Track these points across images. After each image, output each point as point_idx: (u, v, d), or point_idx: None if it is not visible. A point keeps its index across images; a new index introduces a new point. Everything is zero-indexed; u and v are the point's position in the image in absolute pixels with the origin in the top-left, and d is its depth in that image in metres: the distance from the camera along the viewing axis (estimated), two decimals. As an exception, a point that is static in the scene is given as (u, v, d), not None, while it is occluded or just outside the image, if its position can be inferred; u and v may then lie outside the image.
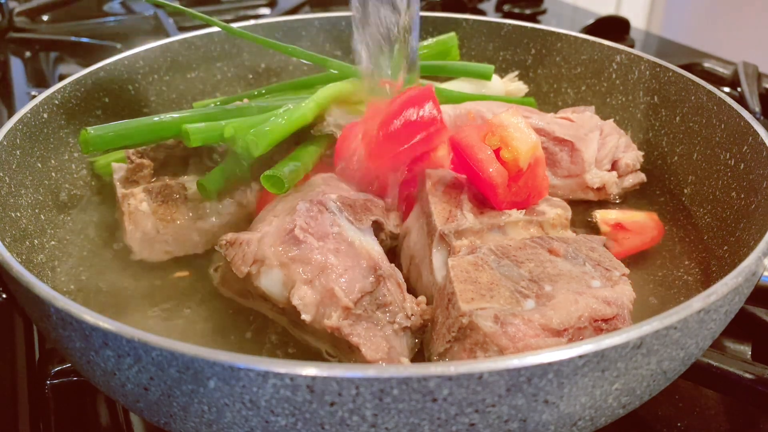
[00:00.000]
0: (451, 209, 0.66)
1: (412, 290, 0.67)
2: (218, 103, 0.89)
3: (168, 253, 0.75)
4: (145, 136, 0.76)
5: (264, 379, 0.41)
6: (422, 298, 0.63)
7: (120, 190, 0.76)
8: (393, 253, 0.72)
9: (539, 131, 0.84)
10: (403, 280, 0.64)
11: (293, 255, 0.60)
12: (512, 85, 1.02)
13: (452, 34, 1.06)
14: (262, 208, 0.74)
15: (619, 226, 0.78)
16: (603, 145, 0.85)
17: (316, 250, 0.60)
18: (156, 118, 0.76)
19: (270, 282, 0.61)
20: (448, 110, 0.90)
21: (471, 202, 0.67)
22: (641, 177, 0.87)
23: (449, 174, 0.71)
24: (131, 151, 0.78)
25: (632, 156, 0.86)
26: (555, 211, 0.68)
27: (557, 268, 0.60)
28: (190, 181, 0.77)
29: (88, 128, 0.72)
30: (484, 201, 0.68)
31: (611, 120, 0.89)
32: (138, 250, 0.74)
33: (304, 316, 0.58)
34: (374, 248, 0.64)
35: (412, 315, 0.61)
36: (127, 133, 0.75)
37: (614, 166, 0.86)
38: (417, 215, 0.70)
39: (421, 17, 1.12)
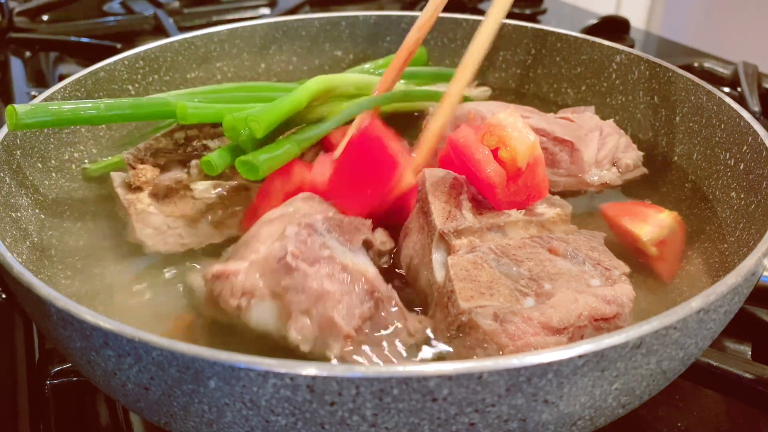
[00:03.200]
0: (451, 209, 0.66)
1: (412, 289, 0.67)
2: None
3: (183, 245, 0.74)
4: (86, 120, 0.76)
5: (264, 379, 0.41)
6: (423, 318, 0.62)
7: (124, 197, 0.75)
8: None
9: (539, 131, 0.84)
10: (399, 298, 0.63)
11: (287, 284, 0.57)
12: (474, 91, 1.03)
13: (422, 49, 1.07)
14: (263, 201, 0.74)
15: (662, 243, 0.75)
16: (603, 146, 0.85)
17: (310, 276, 0.57)
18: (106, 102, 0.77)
19: (263, 315, 0.57)
20: None
21: (470, 202, 0.67)
22: (642, 170, 0.87)
23: (449, 174, 0.71)
24: (131, 157, 0.78)
25: (633, 156, 0.86)
26: (554, 210, 0.68)
27: (557, 267, 0.60)
28: (193, 183, 0.77)
29: (16, 106, 0.71)
30: (483, 201, 0.68)
31: (611, 120, 0.89)
32: (151, 244, 0.73)
33: (303, 348, 0.55)
34: (369, 269, 0.61)
35: (415, 333, 0.59)
36: (63, 117, 0.74)
37: (614, 165, 0.86)
38: (416, 215, 0.70)
39: (421, 17, 1.12)
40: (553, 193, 0.74)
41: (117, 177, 0.79)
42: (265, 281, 0.57)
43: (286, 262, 0.57)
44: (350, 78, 0.90)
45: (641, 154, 0.87)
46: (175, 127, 0.81)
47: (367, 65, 1.05)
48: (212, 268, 0.59)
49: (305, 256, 0.58)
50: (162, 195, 0.76)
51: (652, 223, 0.76)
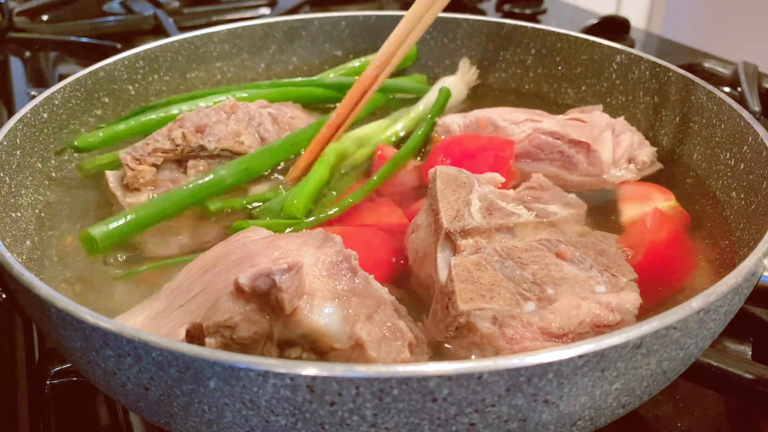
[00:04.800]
0: (459, 208, 0.66)
1: (416, 281, 0.68)
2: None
3: (183, 246, 0.74)
4: (153, 219, 0.74)
5: (264, 379, 0.41)
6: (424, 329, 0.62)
7: (124, 200, 0.75)
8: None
9: (553, 134, 0.83)
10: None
11: (352, 287, 0.55)
12: (467, 76, 1.05)
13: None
14: None
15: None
16: (618, 144, 0.84)
17: (372, 282, 0.56)
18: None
19: (326, 318, 0.53)
20: (457, 119, 0.90)
21: (480, 201, 0.67)
22: (658, 165, 0.86)
23: (461, 173, 0.70)
24: (128, 158, 0.77)
25: (647, 152, 0.86)
26: (567, 210, 0.68)
27: (562, 272, 0.59)
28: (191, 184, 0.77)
29: (91, 231, 0.69)
30: (494, 202, 0.67)
31: (622, 117, 0.89)
32: (153, 245, 0.73)
33: (371, 353, 0.53)
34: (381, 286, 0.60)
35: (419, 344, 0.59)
36: (133, 224, 0.72)
37: (631, 163, 0.85)
38: (426, 212, 0.69)
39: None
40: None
41: (112, 176, 0.78)
42: (326, 283, 0.54)
43: (351, 265, 0.56)
44: (355, 136, 0.91)
45: (655, 149, 0.87)
46: (172, 125, 0.81)
47: (355, 63, 1.06)
48: (287, 258, 0.54)
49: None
50: None
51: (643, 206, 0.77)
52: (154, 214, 0.73)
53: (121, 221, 0.71)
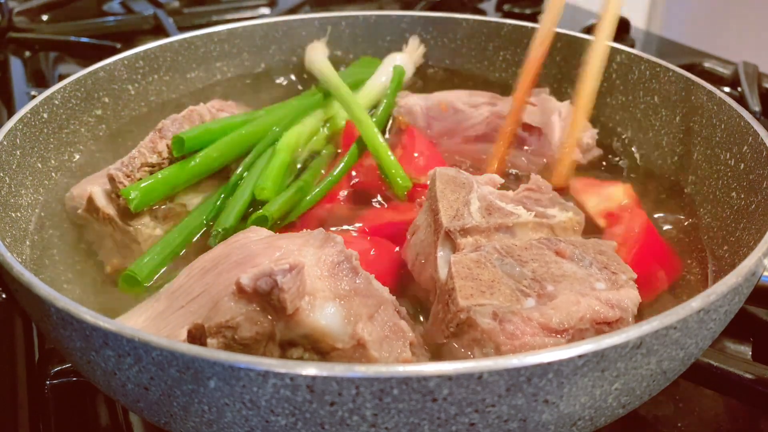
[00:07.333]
0: (459, 208, 0.66)
1: (416, 286, 0.67)
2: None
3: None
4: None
5: (264, 379, 0.41)
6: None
7: (126, 224, 0.73)
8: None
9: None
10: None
11: (353, 287, 0.55)
12: (414, 55, 1.07)
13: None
14: None
15: (610, 215, 0.79)
16: (564, 127, 0.88)
17: (373, 281, 0.57)
18: None
19: (327, 317, 0.53)
20: (419, 101, 0.93)
21: (480, 201, 0.67)
22: (598, 151, 0.91)
23: (460, 173, 0.71)
24: (120, 175, 0.74)
25: (590, 135, 0.90)
26: (566, 214, 0.68)
27: (562, 269, 0.60)
28: (185, 198, 0.78)
29: (135, 272, 0.69)
30: (493, 202, 0.68)
31: (567, 102, 0.92)
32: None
33: (373, 353, 0.53)
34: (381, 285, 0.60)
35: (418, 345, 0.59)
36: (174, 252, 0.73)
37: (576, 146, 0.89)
38: (425, 212, 0.70)
39: (422, 17, 1.12)
40: (520, 175, 0.86)
41: (100, 195, 0.74)
42: (328, 283, 0.55)
43: (352, 265, 0.56)
44: (316, 120, 0.92)
45: (596, 131, 0.91)
46: (154, 136, 0.79)
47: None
48: (288, 258, 0.54)
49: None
50: (163, 216, 0.75)
51: (601, 196, 0.80)
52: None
53: (165, 253, 0.72)
